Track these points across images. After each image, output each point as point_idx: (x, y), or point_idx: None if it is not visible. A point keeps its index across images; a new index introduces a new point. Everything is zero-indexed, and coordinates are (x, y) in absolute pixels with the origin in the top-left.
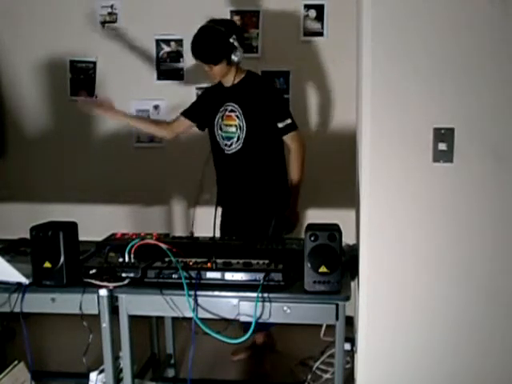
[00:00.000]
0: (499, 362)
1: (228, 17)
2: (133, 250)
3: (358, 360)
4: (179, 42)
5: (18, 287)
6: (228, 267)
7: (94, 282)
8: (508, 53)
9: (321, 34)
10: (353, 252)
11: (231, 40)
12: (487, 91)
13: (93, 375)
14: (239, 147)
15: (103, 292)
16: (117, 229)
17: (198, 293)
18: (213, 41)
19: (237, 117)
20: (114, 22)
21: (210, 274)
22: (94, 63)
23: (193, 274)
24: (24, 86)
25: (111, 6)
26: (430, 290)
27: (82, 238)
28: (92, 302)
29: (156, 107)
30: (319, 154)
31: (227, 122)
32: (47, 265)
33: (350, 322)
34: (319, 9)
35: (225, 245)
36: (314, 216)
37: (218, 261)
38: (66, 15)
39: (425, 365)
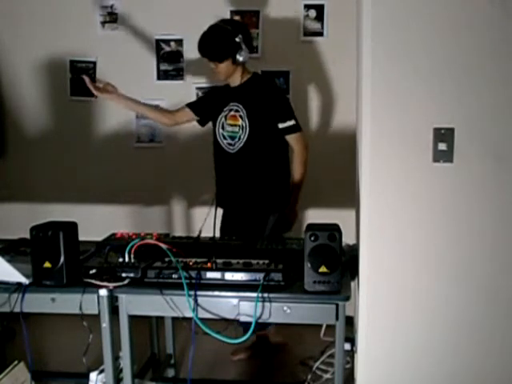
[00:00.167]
0: (499, 362)
1: (228, 17)
2: (133, 250)
3: (358, 360)
4: (179, 41)
5: (18, 287)
6: (228, 267)
7: (94, 281)
8: (508, 53)
9: (321, 33)
10: (353, 252)
11: (237, 39)
12: (487, 91)
13: (93, 375)
14: (241, 145)
15: (103, 292)
16: (117, 229)
17: (198, 293)
18: (218, 38)
19: (240, 117)
20: (114, 21)
21: (210, 274)
22: (94, 63)
23: (193, 274)
24: (24, 85)
25: (111, 6)
26: (430, 289)
27: (81, 237)
28: (92, 301)
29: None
30: (319, 154)
31: (231, 122)
32: (47, 265)
33: (350, 322)
34: (319, 9)
35: (225, 245)
36: (314, 216)
37: (218, 261)
38: (66, 15)
39: (425, 365)
